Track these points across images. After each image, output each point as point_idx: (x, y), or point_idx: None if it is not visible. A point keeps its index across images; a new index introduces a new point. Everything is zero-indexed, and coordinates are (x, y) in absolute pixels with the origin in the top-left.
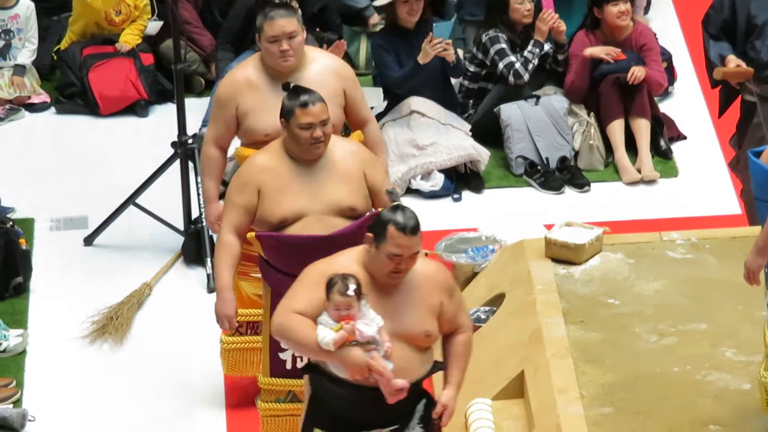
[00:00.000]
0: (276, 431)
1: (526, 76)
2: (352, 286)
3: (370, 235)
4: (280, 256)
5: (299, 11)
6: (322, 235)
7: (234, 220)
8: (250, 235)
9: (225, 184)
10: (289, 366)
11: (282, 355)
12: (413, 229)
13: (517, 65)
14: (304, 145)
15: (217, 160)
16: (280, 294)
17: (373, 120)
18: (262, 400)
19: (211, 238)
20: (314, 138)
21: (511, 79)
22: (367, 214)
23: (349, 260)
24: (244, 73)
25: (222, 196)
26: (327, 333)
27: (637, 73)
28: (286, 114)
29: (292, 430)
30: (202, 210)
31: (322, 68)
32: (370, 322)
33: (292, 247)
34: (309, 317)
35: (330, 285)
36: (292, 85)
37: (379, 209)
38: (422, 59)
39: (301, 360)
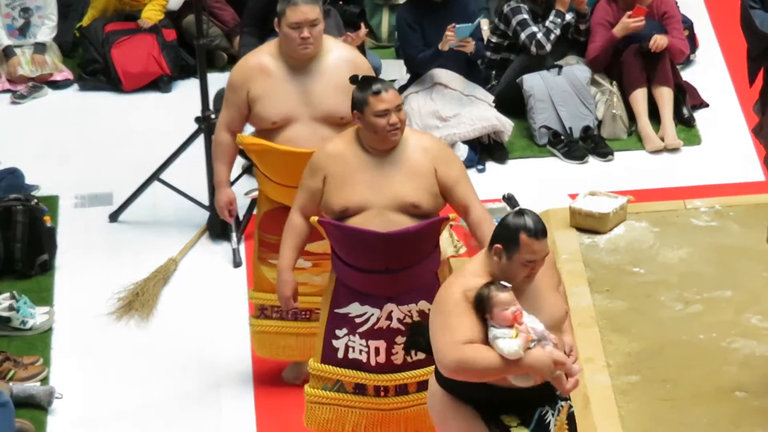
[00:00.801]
0: (318, 418)
1: (548, 47)
2: (503, 281)
3: (499, 246)
4: (341, 245)
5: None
6: (382, 233)
7: (302, 202)
8: (313, 219)
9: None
10: (340, 355)
11: (335, 343)
12: (543, 231)
13: (539, 35)
14: (381, 133)
15: (228, 145)
16: (344, 284)
17: None
18: (309, 386)
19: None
20: (391, 125)
21: (533, 49)
22: (431, 219)
23: (474, 275)
24: (258, 59)
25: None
26: (509, 343)
27: (659, 41)
28: (359, 105)
29: (333, 420)
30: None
31: (337, 58)
32: (531, 318)
33: (351, 239)
34: (476, 343)
35: (483, 298)
36: (360, 77)
37: (463, 217)
38: (442, 46)
39: (353, 351)
